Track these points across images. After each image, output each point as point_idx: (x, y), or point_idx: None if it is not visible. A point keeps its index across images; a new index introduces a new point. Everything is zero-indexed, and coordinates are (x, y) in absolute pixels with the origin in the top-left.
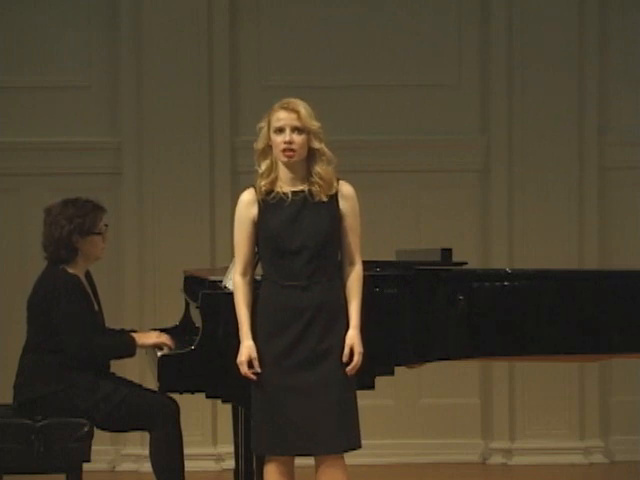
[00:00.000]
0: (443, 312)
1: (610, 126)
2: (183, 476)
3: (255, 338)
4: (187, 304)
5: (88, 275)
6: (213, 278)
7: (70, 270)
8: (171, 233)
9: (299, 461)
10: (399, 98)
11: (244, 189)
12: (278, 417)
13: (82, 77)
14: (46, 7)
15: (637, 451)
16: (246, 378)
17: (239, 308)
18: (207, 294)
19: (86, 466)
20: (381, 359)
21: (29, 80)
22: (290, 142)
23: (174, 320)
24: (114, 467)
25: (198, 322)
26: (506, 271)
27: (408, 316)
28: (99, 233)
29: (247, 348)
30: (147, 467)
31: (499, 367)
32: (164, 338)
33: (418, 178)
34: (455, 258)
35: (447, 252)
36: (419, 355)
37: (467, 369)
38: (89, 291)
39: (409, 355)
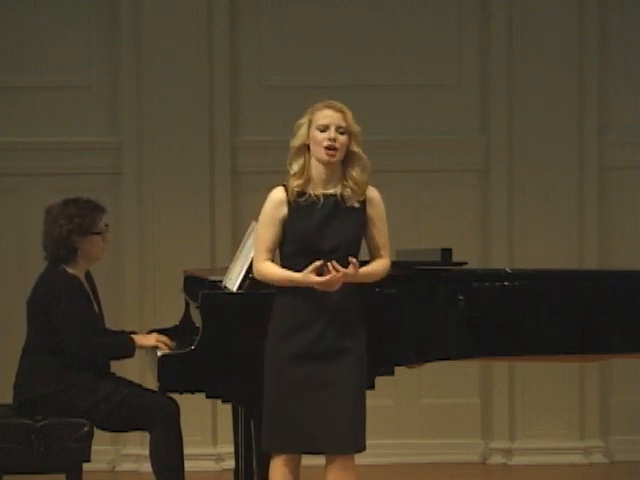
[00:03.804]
0: (443, 312)
1: (610, 126)
2: (183, 476)
3: (272, 335)
4: (187, 304)
5: (88, 275)
6: (213, 278)
7: (70, 270)
8: (171, 233)
9: (304, 461)
10: (399, 98)
11: (273, 187)
12: (290, 415)
13: (82, 77)
14: (46, 7)
15: (637, 451)
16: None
17: (275, 272)
18: (207, 294)
19: (86, 466)
20: (381, 359)
21: (29, 80)
22: (334, 140)
23: (174, 320)
24: (114, 467)
25: (198, 322)
26: (506, 271)
27: (408, 316)
28: (98, 233)
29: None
30: (147, 467)
31: (499, 367)
32: (163, 340)
33: (418, 178)
34: (455, 258)
35: (447, 252)
36: (419, 355)
37: (467, 369)
38: (89, 291)
39: (409, 355)
